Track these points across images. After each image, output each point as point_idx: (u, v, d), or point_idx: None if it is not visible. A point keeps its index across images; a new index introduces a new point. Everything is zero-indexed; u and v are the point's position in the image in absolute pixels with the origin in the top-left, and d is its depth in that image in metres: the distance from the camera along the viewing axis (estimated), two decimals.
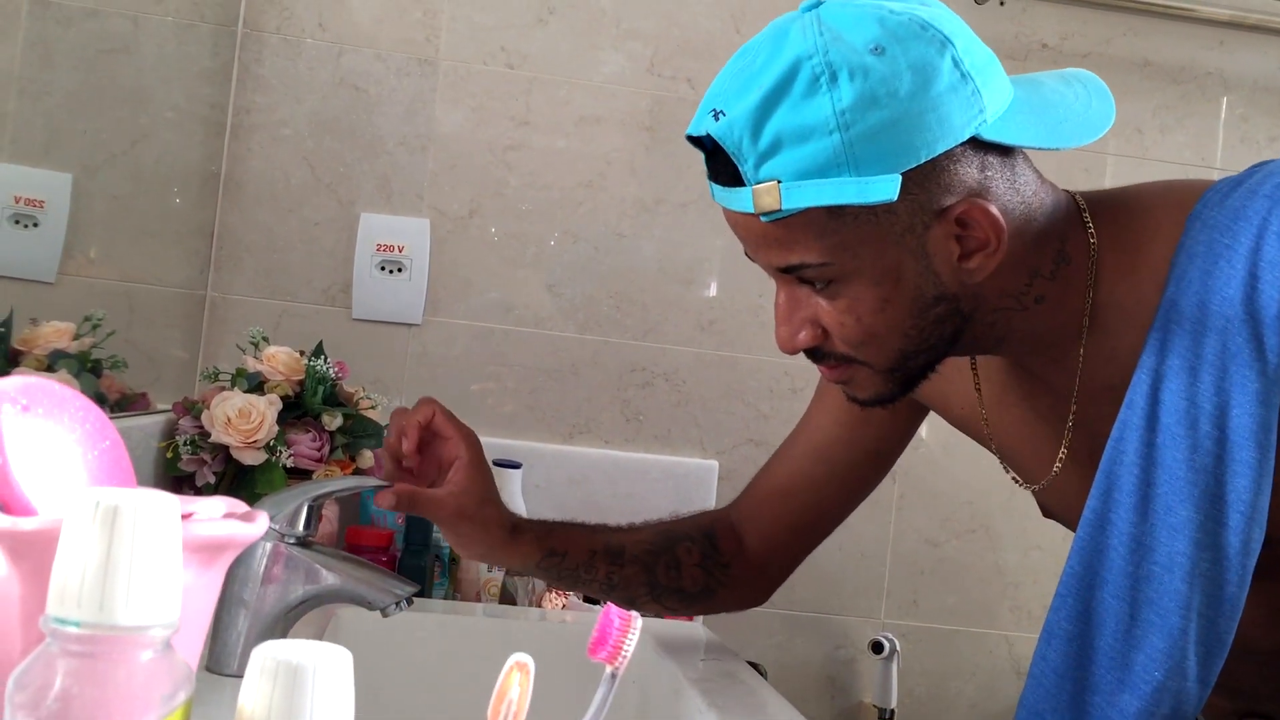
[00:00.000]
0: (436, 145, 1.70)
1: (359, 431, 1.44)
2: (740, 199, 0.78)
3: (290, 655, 0.44)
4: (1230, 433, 0.77)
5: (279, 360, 1.43)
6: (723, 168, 0.79)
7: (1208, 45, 1.86)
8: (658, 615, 1.40)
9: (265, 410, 1.35)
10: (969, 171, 0.77)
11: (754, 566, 1.12)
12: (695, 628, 1.33)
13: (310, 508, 0.92)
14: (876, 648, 1.71)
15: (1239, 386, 0.77)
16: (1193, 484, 0.78)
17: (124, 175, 1.36)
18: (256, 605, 0.89)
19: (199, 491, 1.34)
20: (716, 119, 0.77)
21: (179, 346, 1.58)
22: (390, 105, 1.69)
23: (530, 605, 1.47)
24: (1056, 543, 1.71)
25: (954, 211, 0.77)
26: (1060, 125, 0.80)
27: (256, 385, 1.40)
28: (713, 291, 1.76)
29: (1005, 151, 0.80)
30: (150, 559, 0.43)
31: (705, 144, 0.80)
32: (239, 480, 1.36)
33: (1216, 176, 0.85)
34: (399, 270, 1.68)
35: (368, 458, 1.45)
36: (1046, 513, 0.99)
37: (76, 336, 1.15)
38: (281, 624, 0.90)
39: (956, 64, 0.75)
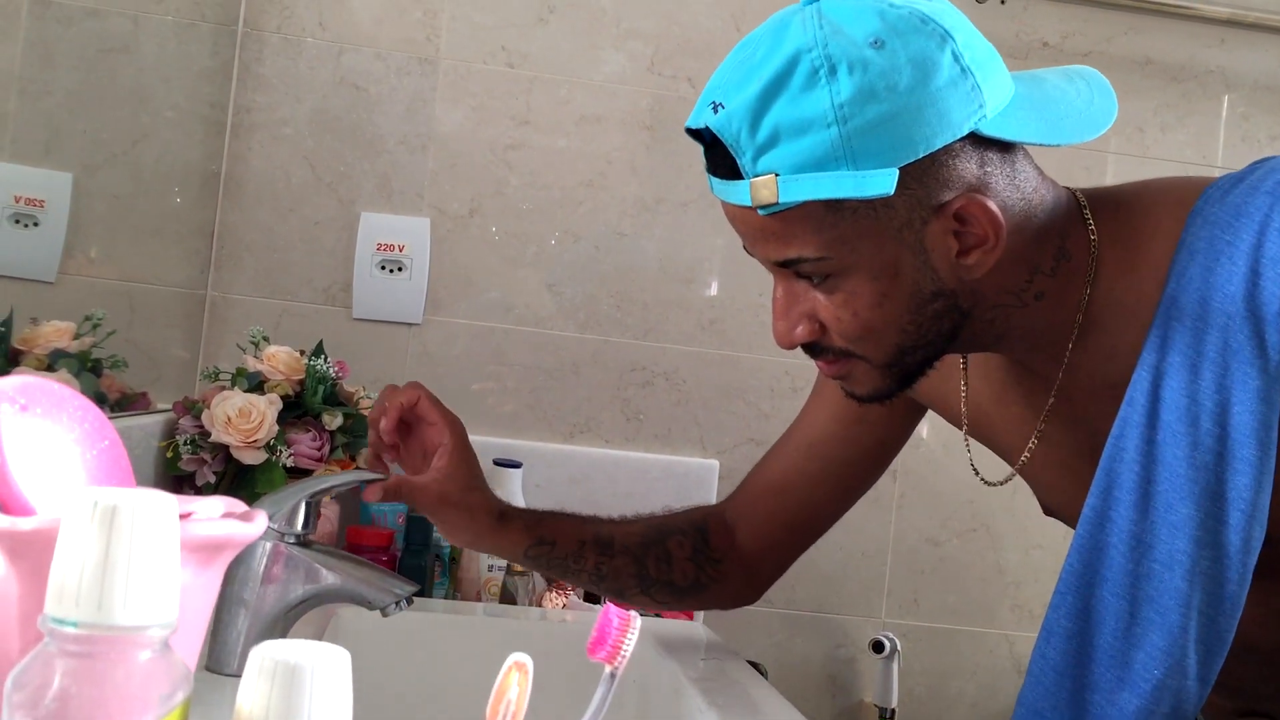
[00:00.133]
0: (437, 144, 1.70)
1: (359, 431, 1.44)
2: (738, 192, 0.78)
3: (288, 655, 0.44)
4: (1231, 430, 0.77)
5: (279, 360, 1.43)
6: (721, 160, 0.79)
7: (1209, 43, 1.85)
8: (656, 613, 1.40)
9: (265, 410, 1.35)
10: (968, 167, 0.77)
11: (746, 563, 1.11)
12: (695, 627, 1.33)
13: (308, 505, 0.92)
14: (877, 647, 1.71)
15: (1240, 384, 0.77)
16: (1193, 481, 0.78)
17: (124, 175, 1.36)
18: (256, 605, 0.89)
19: (199, 491, 1.34)
20: (715, 111, 0.77)
21: (179, 346, 1.58)
22: (391, 104, 1.69)
23: (530, 605, 1.47)
24: (1057, 541, 1.71)
25: (952, 207, 0.77)
26: (1061, 122, 0.80)
27: (257, 385, 1.40)
28: (713, 291, 1.76)
29: (1005, 148, 0.80)
30: (148, 558, 0.43)
31: (704, 136, 0.80)
32: (239, 480, 1.36)
33: (1218, 175, 0.85)
34: (399, 269, 1.68)
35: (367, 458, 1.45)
36: (1047, 511, 0.99)
37: (77, 336, 1.15)
38: (281, 624, 0.90)
39: (957, 58, 0.75)
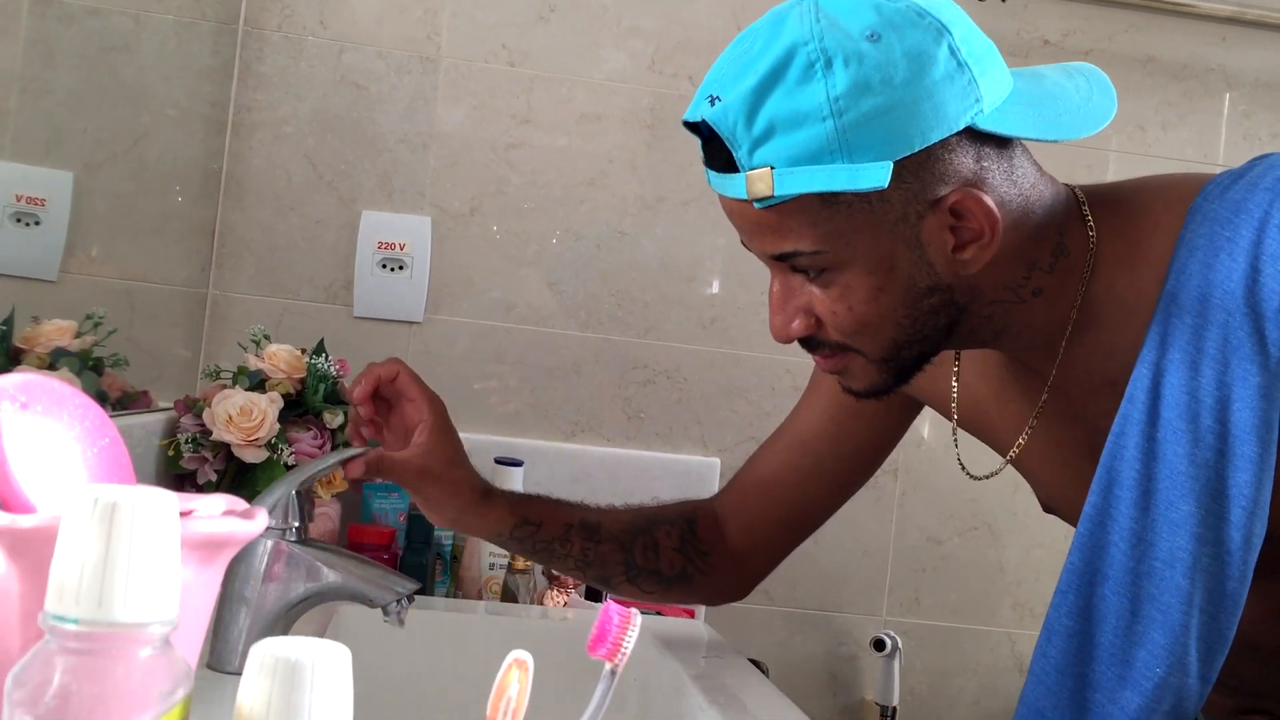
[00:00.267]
0: (438, 143, 1.70)
1: None
2: (734, 185, 0.78)
3: (289, 652, 0.44)
4: (1232, 427, 0.77)
5: (280, 358, 1.43)
6: (717, 153, 0.79)
7: (1210, 42, 1.85)
8: (657, 611, 1.40)
9: (266, 408, 1.35)
10: (964, 161, 0.77)
11: (734, 557, 1.10)
12: (697, 625, 1.33)
13: (299, 495, 0.92)
14: (878, 645, 1.71)
15: (1240, 380, 0.77)
16: (1194, 479, 0.78)
17: (125, 173, 1.36)
18: (257, 603, 0.89)
19: (200, 489, 1.35)
20: (712, 104, 0.77)
21: (180, 344, 1.59)
22: (391, 103, 1.69)
23: (531, 603, 1.47)
24: (1058, 540, 1.71)
25: (948, 201, 0.77)
26: (1060, 118, 0.80)
27: (258, 383, 1.40)
28: (714, 289, 1.76)
29: (1003, 143, 0.79)
30: (149, 556, 0.43)
31: (701, 129, 0.80)
32: (240, 478, 1.36)
33: (1218, 172, 0.85)
34: (400, 268, 1.68)
35: None
36: (1047, 508, 0.99)
37: (78, 335, 1.15)
38: (283, 621, 0.90)
39: (953, 52, 0.75)
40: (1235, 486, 0.77)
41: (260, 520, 0.61)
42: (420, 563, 1.44)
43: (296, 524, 0.92)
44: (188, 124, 1.56)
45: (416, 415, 0.98)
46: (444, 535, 1.51)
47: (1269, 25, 1.83)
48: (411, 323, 1.69)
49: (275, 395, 1.38)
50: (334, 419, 1.42)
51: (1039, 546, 1.82)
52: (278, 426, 1.36)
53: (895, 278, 0.79)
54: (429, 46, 1.70)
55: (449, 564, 1.51)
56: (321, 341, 1.50)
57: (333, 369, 1.44)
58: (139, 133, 1.38)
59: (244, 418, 1.34)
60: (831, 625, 1.79)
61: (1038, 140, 0.79)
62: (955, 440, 0.96)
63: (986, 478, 0.93)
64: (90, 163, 1.25)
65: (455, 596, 1.49)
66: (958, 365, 0.96)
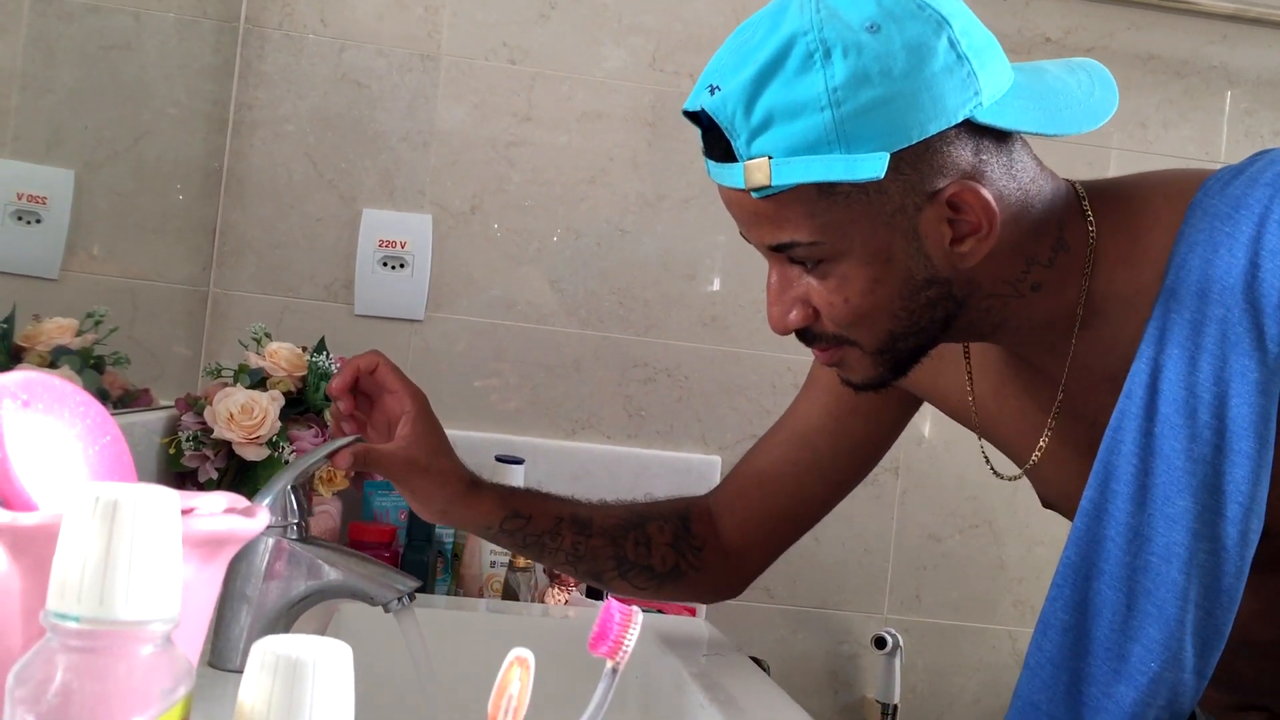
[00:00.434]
0: (438, 141, 1.70)
1: None
2: (732, 174, 0.78)
3: (290, 650, 0.44)
4: (1229, 422, 0.77)
5: (281, 356, 1.43)
6: (716, 143, 0.79)
7: (1211, 39, 1.85)
8: (658, 609, 1.40)
9: (268, 406, 1.35)
10: (962, 154, 0.77)
11: (728, 554, 1.10)
12: (697, 623, 1.33)
13: (300, 492, 0.92)
14: (879, 643, 1.71)
15: (1239, 376, 0.77)
16: (1191, 474, 0.78)
17: (126, 172, 1.36)
18: (259, 600, 0.89)
19: (201, 487, 1.35)
20: (712, 94, 0.77)
21: (181, 343, 1.59)
22: (392, 101, 1.69)
23: (533, 601, 1.47)
24: (1059, 538, 1.70)
25: (946, 193, 0.77)
26: (1060, 112, 0.80)
27: (259, 381, 1.40)
28: (715, 287, 1.76)
29: (1002, 136, 0.79)
30: (150, 554, 0.43)
31: (701, 119, 0.80)
32: (241, 476, 1.36)
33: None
34: (401, 266, 1.68)
35: None
36: (1046, 503, 0.99)
37: (79, 333, 1.15)
38: (284, 619, 0.90)
39: (953, 44, 0.75)
40: (1232, 482, 0.77)
41: (261, 518, 0.61)
42: (421, 560, 1.44)
43: (298, 522, 0.92)
44: (189, 122, 1.56)
45: (398, 407, 0.97)
46: (445, 533, 1.51)
47: (1271, 23, 1.83)
48: (412, 321, 1.69)
49: (276, 393, 1.38)
50: None
51: (1040, 544, 1.82)
52: (279, 424, 1.36)
53: (892, 269, 0.79)
54: (430, 44, 1.70)
55: (450, 562, 1.51)
56: (322, 339, 1.51)
57: (334, 367, 1.44)
58: (140, 131, 1.38)
59: (245, 416, 1.34)
60: (832, 623, 1.79)
61: (1037, 134, 0.80)
62: (981, 446, 0.96)
63: (1014, 478, 0.94)
64: (91, 161, 1.25)
65: (456, 594, 1.49)
66: (970, 370, 0.95)
